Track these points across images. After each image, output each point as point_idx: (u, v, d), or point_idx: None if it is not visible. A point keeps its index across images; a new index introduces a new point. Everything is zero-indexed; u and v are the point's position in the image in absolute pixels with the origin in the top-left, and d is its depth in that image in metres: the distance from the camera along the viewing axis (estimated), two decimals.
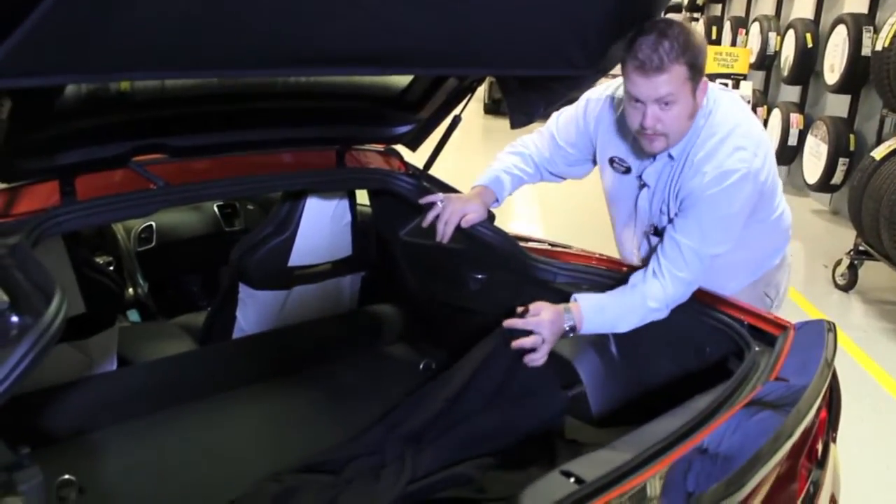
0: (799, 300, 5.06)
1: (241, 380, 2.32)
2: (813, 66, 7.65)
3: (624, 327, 1.95)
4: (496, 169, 2.23)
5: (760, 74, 9.12)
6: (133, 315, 3.04)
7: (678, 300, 1.92)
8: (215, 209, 3.38)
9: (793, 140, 7.67)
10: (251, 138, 2.16)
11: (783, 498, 1.39)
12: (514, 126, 2.21)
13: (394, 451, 1.94)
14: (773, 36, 8.56)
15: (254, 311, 2.51)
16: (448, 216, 2.13)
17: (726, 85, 8.24)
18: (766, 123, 8.30)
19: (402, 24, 1.53)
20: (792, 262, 2.39)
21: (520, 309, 1.92)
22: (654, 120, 1.82)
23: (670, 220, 1.96)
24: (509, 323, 1.91)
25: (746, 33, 9.29)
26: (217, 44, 1.40)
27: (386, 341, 2.65)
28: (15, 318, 1.36)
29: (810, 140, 7.17)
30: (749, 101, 8.26)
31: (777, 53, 8.43)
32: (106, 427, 2.01)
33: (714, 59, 8.51)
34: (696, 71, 1.77)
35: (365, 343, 2.61)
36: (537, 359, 1.89)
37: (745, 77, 8.47)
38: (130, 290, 3.11)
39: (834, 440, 1.84)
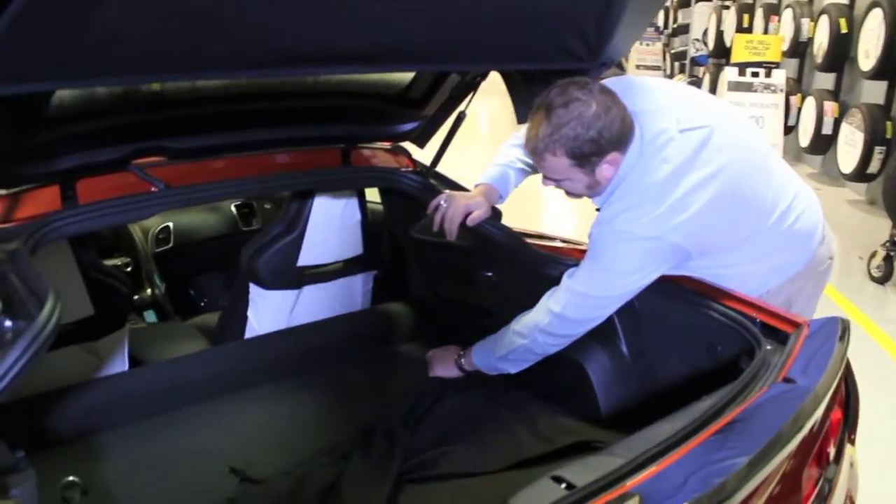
0: (832, 293, 4.92)
1: (250, 380, 2.31)
2: (847, 52, 7.43)
3: (499, 356, 2.01)
4: (499, 164, 2.20)
5: (794, 62, 8.90)
6: (150, 316, 3.06)
7: (546, 330, 1.90)
8: (233, 209, 3.39)
9: (827, 129, 7.46)
10: (253, 139, 2.15)
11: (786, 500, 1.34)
12: (520, 121, 2.17)
13: (382, 425, 2.06)
14: (805, 22, 8.34)
15: (265, 311, 2.50)
16: (452, 214, 2.10)
17: (757, 74, 8.09)
18: (799, 112, 8.11)
19: (401, 21, 1.51)
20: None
21: None
22: (549, 184, 1.84)
23: None
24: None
25: (779, 20, 9.07)
26: (207, 45, 1.39)
27: (397, 341, 2.63)
28: (8, 323, 1.38)
29: (845, 128, 6.98)
30: (782, 90, 8.09)
31: (810, 40, 8.20)
32: (114, 428, 2.02)
33: (745, 48, 8.34)
34: (583, 158, 1.71)
35: (376, 342, 2.59)
36: None
37: (777, 65, 8.28)
38: (148, 290, 3.13)
39: (852, 441, 1.78)
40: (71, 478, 1.81)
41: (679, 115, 1.81)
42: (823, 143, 7.57)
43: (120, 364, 2.24)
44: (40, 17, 1.10)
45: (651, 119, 1.78)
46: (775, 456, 1.17)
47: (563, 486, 1.22)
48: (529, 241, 2.28)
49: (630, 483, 1.16)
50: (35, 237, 1.69)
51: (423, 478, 1.87)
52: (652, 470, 1.17)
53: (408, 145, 2.59)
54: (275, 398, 2.28)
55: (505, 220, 2.31)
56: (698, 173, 1.76)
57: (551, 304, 1.89)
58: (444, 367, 2.22)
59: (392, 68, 1.95)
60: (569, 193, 1.88)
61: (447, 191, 2.26)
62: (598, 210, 1.91)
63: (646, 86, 1.89)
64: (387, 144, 2.55)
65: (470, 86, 2.23)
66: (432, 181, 2.41)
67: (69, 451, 1.93)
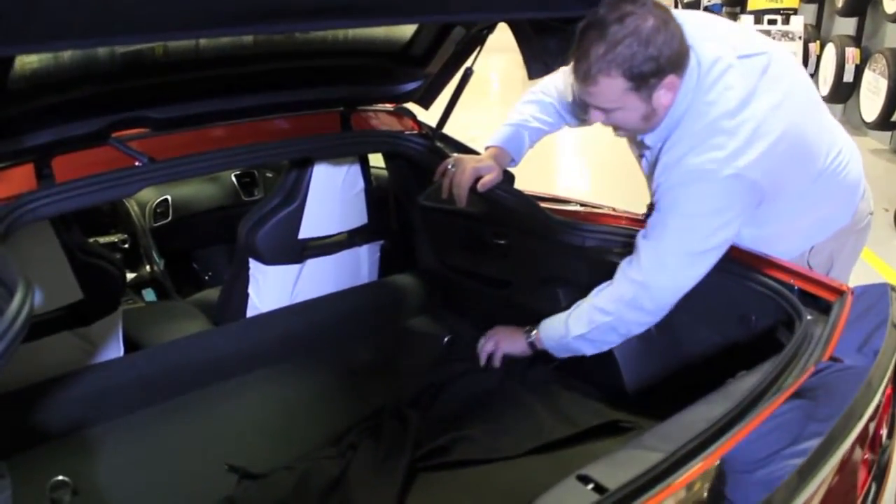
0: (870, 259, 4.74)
1: (252, 363, 2.19)
2: None
3: (576, 335, 1.79)
4: (512, 123, 2.04)
5: (812, 7, 8.60)
6: (149, 294, 2.95)
7: (633, 303, 1.70)
8: (233, 179, 3.27)
9: (848, 76, 7.21)
10: (244, 105, 2.00)
11: (840, 495, 1.21)
12: (531, 76, 2.00)
13: (391, 406, 1.94)
14: None
15: (266, 287, 2.37)
16: (460, 179, 1.96)
17: (774, 22, 7.82)
18: (818, 59, 7.85)
19: None
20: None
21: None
22: (599, 117, 1.64)
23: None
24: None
25: None
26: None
27: (407, 314, 2.49)
28: None
29: (868, 75, 6.76)
30: (800, 38, 7.82)
31: None
32: (107, 421, 1.90)
33: None
34: (641, 79, 1.53)
35: (385, 317, 2.46)
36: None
37: (795, 11, 8.03)
38: (147, 268, 3.02)
39: None
40: (60, 477, 1.70)
41: (733, 41, 1.65)
42: (845, 91, 7.34)
43: (115, 349, 2.12)
44: None
45: (704, 45, 1.61)
46: (832, 455, 1.03)
47: (591, 486, 1.09)
48: (545, 205, 2.13)
49: (674, 485, 1.02)
50: (7, 221, 1.56)
51: (435, 465, 1.75)
52: (694, 471, 1.04)
53: (412, 107, 2.42)
54: (279, 382, 2.16)
55: (519, 183, 2.16)
56: (766, 100, 1.60)
57: (632, 272, 1.69)
58: (512, 342, 1.97)
59: (391, 21, 1.77)
60: (618, 129, 1.70)
61: (455, 154, 2.12)
62: (646, 149, 1.74)
63: (687, 17, 1.69)
64: (390, 106, 2.39)
65: (476, 39, 2.05)
66: (439, 144, 2.27)
67: (59, 448, 1.81)
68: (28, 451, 1.71)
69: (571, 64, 1.61)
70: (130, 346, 2.17)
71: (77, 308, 2.04)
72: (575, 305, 1.82)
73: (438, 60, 2.15)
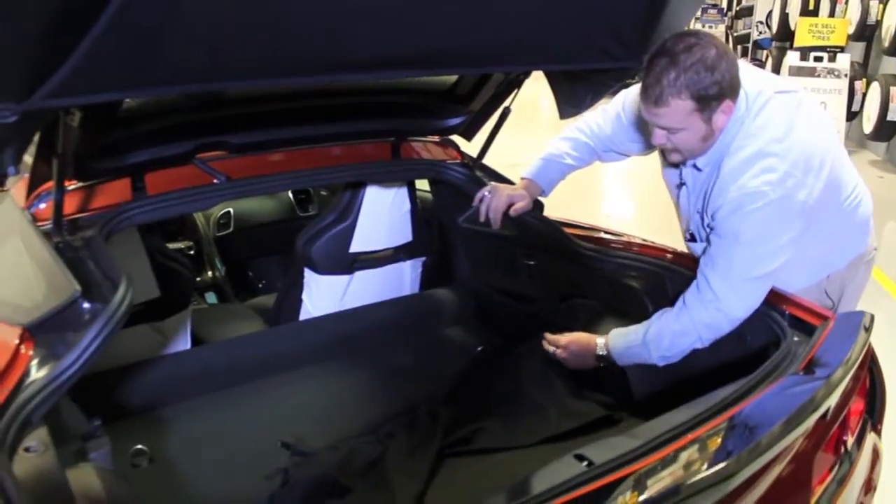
0: (891, 287, 4.83)
1: (303, 360, 2.45)
2: None
3: (659, 355, 1.94)
4: (546, 159, 2.27)
5: (860, 46, 8.68)
6: (211, 297, 3.24)
7: (713, 328, 1.86)
8: (290, 195, 3.54)
9: (892, 115, 7.29)
10: (309, 133, 2.28)
11: (796, 482, 1.43)
12: (562, 117, 2.25)
13: (425, 407, 2.17)
14: (874, 4, 8.13)
15: (318, 294, 2.64)
16: (496, 205, 2.21)
17: (820, 59, 7.92)
18: (864, 97, 7.92)
19: (444, 29, 1.61)
20: (878, 253, 2.22)
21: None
22: (662, 139, 1.81)
23: (708, 232, 1.89)
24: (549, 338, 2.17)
25: (846, 2, 8.84)
26: (269, 54, 1.50)
27: (444, 324, 2.74)
28: (86, 305, 1.52)
29: None
30: (846, 75, 7.91)
31: (878, 23, 8.00)
32: (177, 402, 2.19)
33: (809, 32, 8.19)
34: (706, 102, 1.71)
35: (424, 326, 2.71)
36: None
37: (842, 49, 8.11)
38: (209, 273, 3.31)
39: (878, 431, 1.83)
40: (139, 446, 1.98)
41: (768, 80, 1.86)
42: (888, 130, 7.41)
43: (183, 343, 2.41)
44: (118, 36, 1.24)
45: (746, 79, 1.80)
46: (772, 448, 1.26)
47: (585, 463, 1.33)
48: (571, 230, 2.35)
49: (644, 462, 1.26)
50: (109, 225, 1.86)
51: (460, 453, 1.99)
52: (662, 453, 1.27)
53: (456, 138, 2.68)
54: (326, 377, 2.42)
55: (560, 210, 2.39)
56: (805, 130, 1.80)
57: (708, 299, 1.83)
58: (577, 350, 2.12)
59: (436, 72, 2.05)
60: (676, 153, 1.86)
61: (492, 183, 2.36)
62: (694, 173, 1.92)
63: None
64: (436, 137, 2.65)
65: (514, 83, 2.31)
66: (478, 173, 2.51)
67: (138, 422, 2.10)
68: (114, 423, 1.99)
69: (640, 90, 1.77)
70: (196, 341, 2.46)
71: (154, 304, 2.33)
72: (646, 326, 1.95)
73: (480, 100, 2.41)
